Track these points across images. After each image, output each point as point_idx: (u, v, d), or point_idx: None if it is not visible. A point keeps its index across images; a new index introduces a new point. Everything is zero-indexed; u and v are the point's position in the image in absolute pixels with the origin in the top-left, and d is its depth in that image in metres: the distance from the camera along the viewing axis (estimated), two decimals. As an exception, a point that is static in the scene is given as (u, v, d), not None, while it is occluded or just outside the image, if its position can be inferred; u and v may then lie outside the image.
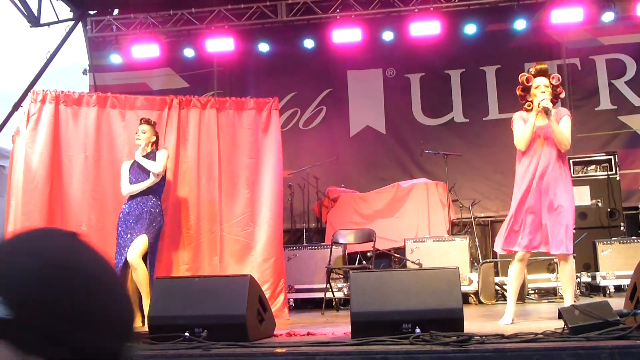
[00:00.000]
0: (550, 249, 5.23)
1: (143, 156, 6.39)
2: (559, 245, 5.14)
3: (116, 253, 6.16)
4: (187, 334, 4.23)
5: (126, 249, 6.08)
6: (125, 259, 6.01)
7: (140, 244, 6.10)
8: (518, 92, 5.61)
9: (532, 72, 5.48)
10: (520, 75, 5.57)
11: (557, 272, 5.77)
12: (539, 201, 5.30)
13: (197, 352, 3.80)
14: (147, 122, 6.59)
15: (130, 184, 6.38)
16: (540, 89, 5.38)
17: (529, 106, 5.46)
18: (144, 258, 6.14)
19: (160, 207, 6.39)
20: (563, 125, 5.33)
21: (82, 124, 6.98)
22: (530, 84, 5.45)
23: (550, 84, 5.43)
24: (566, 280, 5.32)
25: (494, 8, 10.41)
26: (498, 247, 5.54)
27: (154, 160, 6.39)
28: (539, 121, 5.37)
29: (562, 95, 5.54)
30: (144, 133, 6.49)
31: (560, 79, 5.54)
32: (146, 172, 6.35)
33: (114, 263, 6.01)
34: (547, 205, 5.26)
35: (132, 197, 6.34)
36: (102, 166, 6.97)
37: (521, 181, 5.40)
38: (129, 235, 6.16)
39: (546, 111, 5.26)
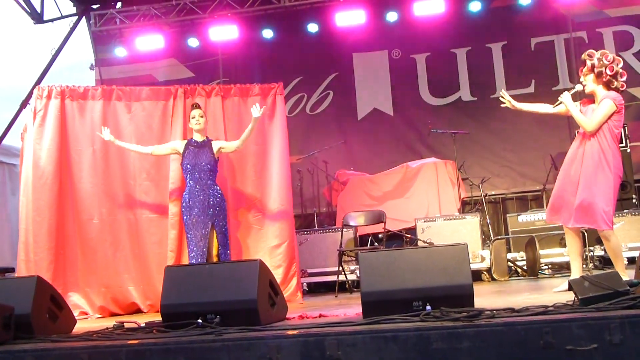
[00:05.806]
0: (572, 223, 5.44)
1: (199, 142, 6.50)
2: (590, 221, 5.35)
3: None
4: (199, 320, 4.25)
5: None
6: None
7: None
8: None
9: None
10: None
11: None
12: (570, 179, 5.47)
13: (209, 338, 3.80)
14: (199, 106, 6.69)
15: (188, 167, 6.42)
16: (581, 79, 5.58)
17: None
18: None
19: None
20: (598, 108, 5.38)
21: (88, 118, 7.01)
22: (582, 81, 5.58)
23: (587, 68, 5.47)
24: (611, 255, 5.48)
25: (499, -17, 10.35)
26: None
27: (209, 149, 6.49)
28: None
29: (607, 72, 5.35)
30: (201, 117, 6.57)
31: (591, 56, 5.44)
32: (202, 158, 6.41)
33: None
34: (576, 184, 5.42)
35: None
36: (111, 159, 7.00)
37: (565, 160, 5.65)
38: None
39: (559, 104, 5.59)
